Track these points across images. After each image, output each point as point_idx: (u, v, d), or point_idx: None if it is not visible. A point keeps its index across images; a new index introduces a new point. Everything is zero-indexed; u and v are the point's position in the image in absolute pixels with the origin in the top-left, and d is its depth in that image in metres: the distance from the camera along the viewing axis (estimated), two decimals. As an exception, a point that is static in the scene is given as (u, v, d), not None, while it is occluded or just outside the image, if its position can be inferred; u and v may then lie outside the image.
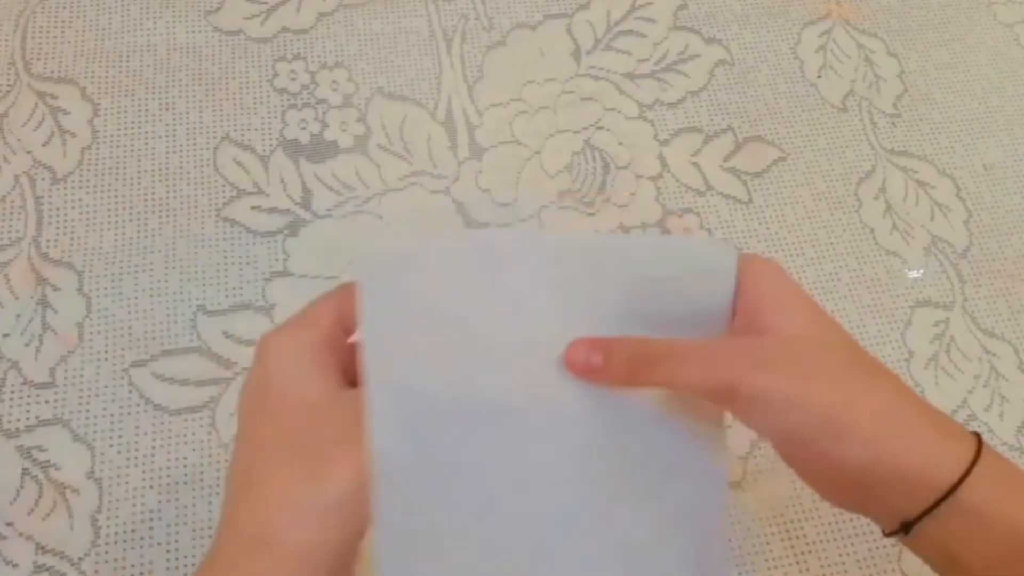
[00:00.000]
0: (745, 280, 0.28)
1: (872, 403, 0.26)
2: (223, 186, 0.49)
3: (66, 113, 0.50)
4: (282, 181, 0.50)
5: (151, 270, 0.47)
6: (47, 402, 0.43)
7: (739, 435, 0.46)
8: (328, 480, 0.23)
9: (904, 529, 0.27)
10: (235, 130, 0.51)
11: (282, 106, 0.52)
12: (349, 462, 0.24)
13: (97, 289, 0.46)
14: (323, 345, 0.26)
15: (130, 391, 0.43)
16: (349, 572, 0.25)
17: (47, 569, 0.39)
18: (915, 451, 0.26)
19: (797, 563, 0.43)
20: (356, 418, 0.24)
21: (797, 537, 0.44)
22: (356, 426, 0.24)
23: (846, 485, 0.27)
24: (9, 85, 0.51)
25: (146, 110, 0.51)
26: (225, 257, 0.47)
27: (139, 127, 0.50)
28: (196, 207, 0.48)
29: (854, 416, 0.26)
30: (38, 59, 0.52)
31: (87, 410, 0.43)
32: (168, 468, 0.42)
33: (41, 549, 0.40)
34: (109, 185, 0.49)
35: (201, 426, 0.43)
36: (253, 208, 0.49)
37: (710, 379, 0.26)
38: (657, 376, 0.27)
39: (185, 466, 0.42)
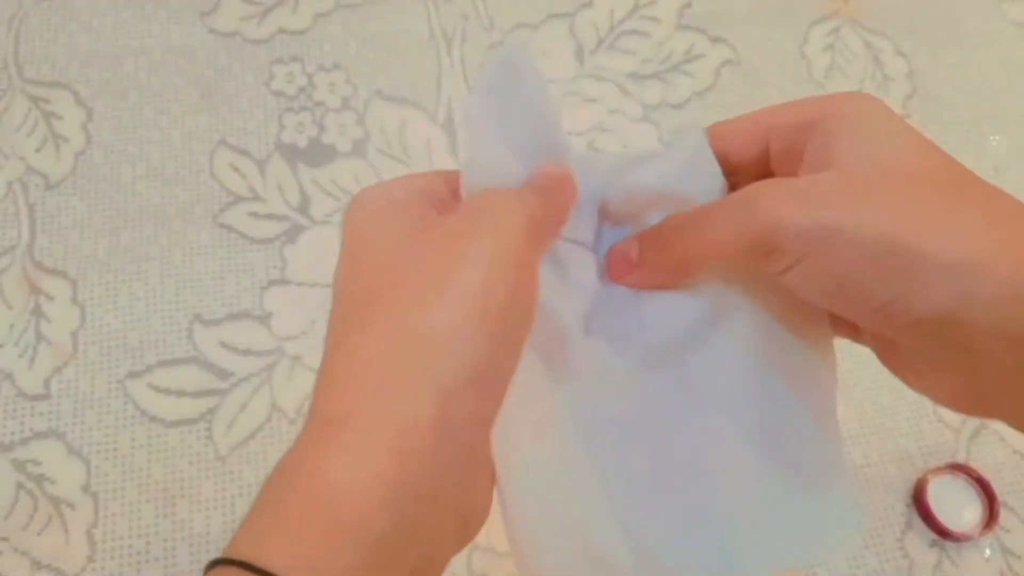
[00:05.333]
0: (829, 117, 0.22)
1: (968, 226, 0.19)
2: (219, 192, 0.48)
3: (59, 118, 0.49)
4: (279, 187, 0.49)
5: (146, 279, 0.46)
6: (41, 414, 0.42)
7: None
8: (421, 321, 0.19)
9: None
10: (231, 134, 0.50)
11: (279, 109, 0.51)
12: (447, 292, 0.19)
13: (91, 298, 0.45)
14: (424, 190, 0.22)
15: (125, 403, 0.43)
16: (470, 462, 0.20)
17: (42, 586, 0.39)
18: None
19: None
20: (444, 245, 0.20)
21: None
22: (447, 256, 0.20)
23: (945, 357, 0.21)
24: (2, 90, 0.50)
25: (140, 114, 0.50)
26: (222, 265, 0.46)
27: (133, 132, 0.49)
28: (192, 214, 0.48)
29: (932, 238, 0.19)
30: (31, 63, 0.51)
31: (82, 422, 0.42)
32: (164, 482, 0.41)
33: (36, 565, 0.39)
34: (103, 191, 0.48)
35: (198, 438, 0.42)
36: (250, 214, 0.48)
37: (743, 228, 0.21)
38: (690, 246, 0.22)
39: (182, 479, 0.41)
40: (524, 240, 0.20)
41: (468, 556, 0.42)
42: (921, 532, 0.44)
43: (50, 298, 0.45)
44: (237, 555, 0.18)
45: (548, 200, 0.22)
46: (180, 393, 0.43)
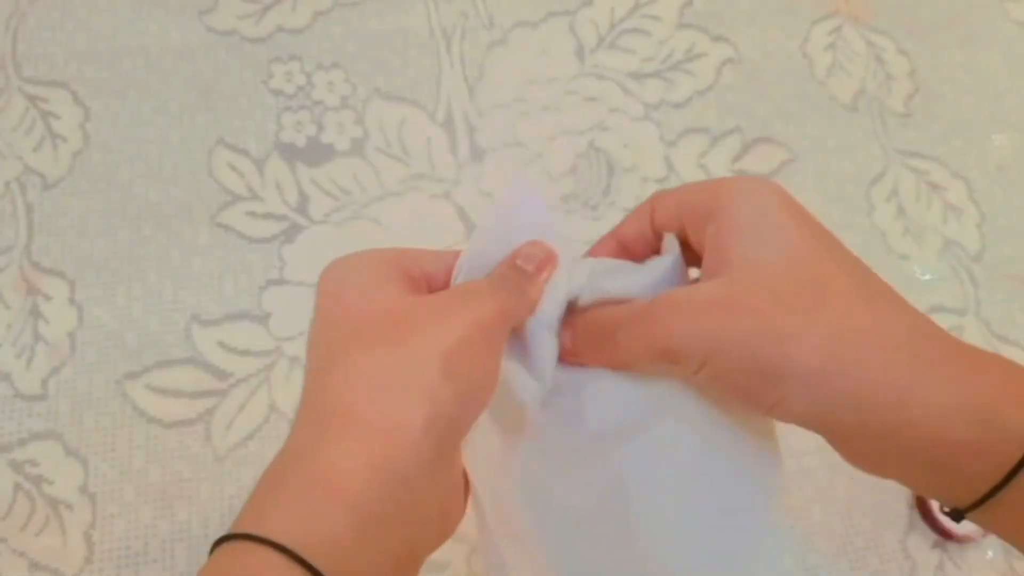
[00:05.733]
0: (720, 211, 0.24)
1: (820, 330, 0.22)
2: (217, 191, 0.48)
3: (57, 117, 0.49)
4: (278, 186, 0.49)
5: (144, 278, 0.45)
6: (39, 415, 0.42)
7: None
8: (409, 354, 0.22)
9: (956, 515, 0.22)
10: (229, 133, 0.50)
11: (277, 108, 0.51)
12: (431, 340, 0.23)
13: (89, 298, 0.45)
14: (389, 261, 0.25)
15: (123, 403, 0.43)
16: (447, 461, 0.23)
17: (39, 587, 0.39)
18: (893, 379, 0.21)
19: (805, 542, 0.42)
20: (432, 311, 0.24)
21: (809, 550, 0.43)
22: (433, 318, 0.23)
23: (841, 442, 0.23)
24: (-1, 88, 0.50)
25: (138, 113, 0.50)
26: (220, 265, 0.46)
27: (131, 131, 0.49)
28: (190, 213, 0.47)
29: (791, 355, 0.21)
30: (28, 61, 0.51)
31: (80, 423, 0.42)
32: (163, 483, 0.41)
33: (34, 566, 0.39)
34: (101, 191, 0.48)
35: (196, 439, 0.42)
36: (248, 214, 0.48)
37: (649, 339, 0.24)
38: (607, 351, 0.25)
39: (180, 481, 0.41)
40: (494, 317, 0.24)
41: (468, 556, 0.41)
42: (923, 533, 0.44)
43: (47, 298, 0.45)
44: (240, 530, 0.19)
45: (513, 295, 0.25)
46: (178, 394, 0.43)
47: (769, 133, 0.54)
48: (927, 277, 0.51)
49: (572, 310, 0.27)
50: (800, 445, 0.44)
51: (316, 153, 0.50)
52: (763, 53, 0.56)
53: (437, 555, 0.41)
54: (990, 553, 0.44)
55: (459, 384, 0.22)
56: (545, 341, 0.26)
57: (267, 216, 0.48)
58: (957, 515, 0.22)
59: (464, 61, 0.54)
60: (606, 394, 0.26)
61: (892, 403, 0.21)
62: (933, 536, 0.44)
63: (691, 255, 0.27)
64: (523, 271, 0.26)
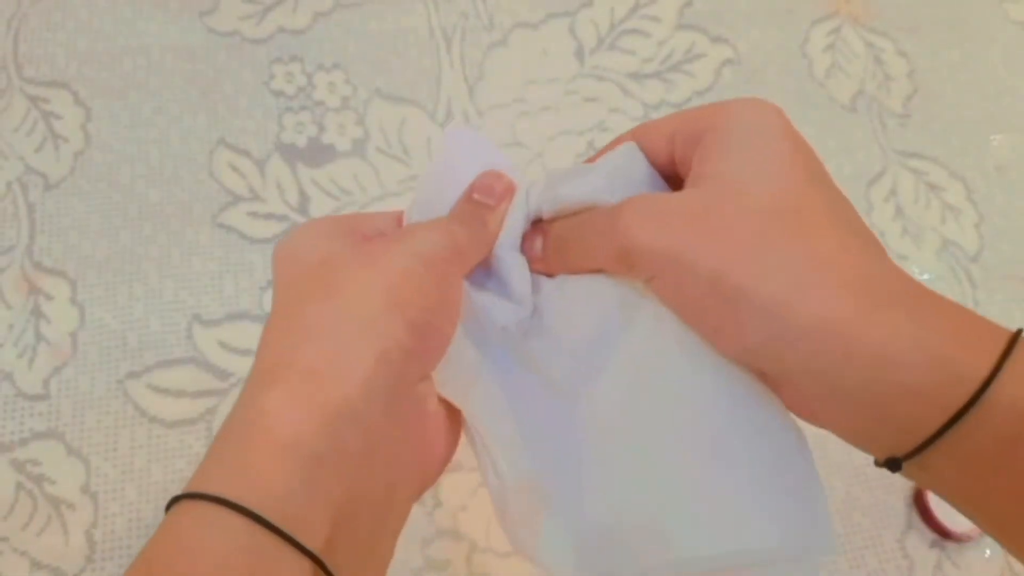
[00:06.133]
0: (710, 131, 0.23)
1: (785, 258, 0.20)
2: (218, 192, 0.48)
3: (58, 118, 0.49)
4: (279, 186, 0.49)
5: (145, 279, 0.46)
6: (41, 414, 0.42)
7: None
8: (350, 295, 0.22)
9: (892, 464, 0.21)
10: (230, 134, 0.50)
11: (278, 109, 0.51)
12: (371, 278, 0.22)
13: (91, 298, 0.45)
14: (339, 221, 0.25)
15: (124, 403, 0.43)
16: (409, 395, 0.23)
17: (41, 586, 0.39)
18: (863, 327, 0.19)
19: None
20: (371, 252, 0.23)
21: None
22: (373, 258, 0.23)
23: (784, 380, 0.22)
24: (1, 89, 0.50)
25: (140, 114, 0.50)
26: (221, 265, 0.46)
27: (132, 131, 0.49)
28: (191, 213, 0.47)
29: (750, 278, 0.20)
30: (30, 62, 0.51)
31: (81, 423, 0.42)
32: (164, 482, 0.41)
33: (36, 565, 0.39)
34: (102, 191, 0.48)
35: (197, 439, 0.42)
36: (249, 214, 0.48)
37: (607, 242, 0.23)
38: (572, 254, 0.24)
39: (181, 480, 0.41)
40: (442, 253, 0.24)
41: (468, 556, 0.42)
42: (921, 532, 0.44)
43: (49, 298, 0.45)
44: (185, 491, 0.19)
45: (469, 228, 0.25)
46: (179, 393, 0.43)
47: (768, 134, 0.54)
48: (925, 277, 0.51)
49: (538, 221, 0.26)
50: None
51: (317, 153, 0.50)
52: (762, 54, 0.57)
53: (437, 555, 0.41)
54: (988, 552, 0.44)
55: (407, 316, 0.22)
56: (515, 261, 0.25)
57: (268, 216, 0.48)
58: (894, 464, 0.21)
59: (464, 62, 0.54)
60: (586, 305, 0.25)
61: (841, 341, 0.20)
62: (931, 535, 0.44)
63: (679, 187, 0.25)
64: (482, 204, 0.26)
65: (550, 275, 0.26)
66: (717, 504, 0.21)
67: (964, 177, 0.55)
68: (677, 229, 0.22)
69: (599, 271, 0.25)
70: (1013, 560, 0.44)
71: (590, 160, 0.26)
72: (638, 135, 0.26)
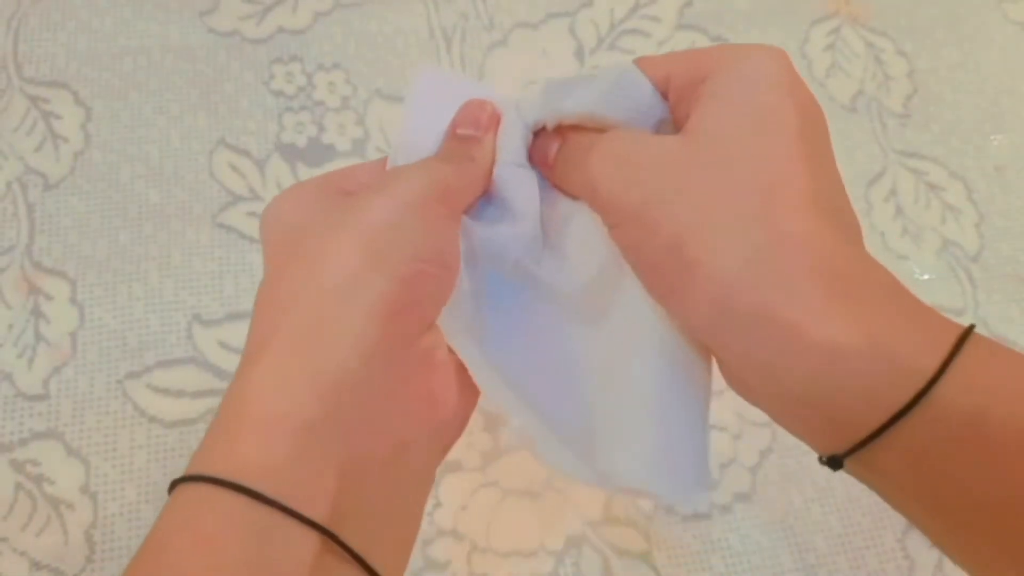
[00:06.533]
0: (708, 79, 0.22)
1: (751, 235, 0.19)
2: (218, 192, 0.48)
3: (58, 117, 0.49)
4: (279, 186, 0.49)
5: (145, 279, 0.46)
6: (40, 414, 0.42)
7: (748, 447, 0.45)
8: (330, 254, 0.21)
9: (834, 461, 0.20)
10: (230, 134, 0.50)
11: (278, 109, 0.51)
12: (351, 233, 0.21)
13: (90, 298, 0.45)
14: (319, 181, 0.24)
15: (124, 403, 0.43)
16: (411, 347, 0.22)
17: (41, 587, 0.39)
18: (813, 308, 0.18)
19: (803, 541, 0.42)
20: (350, 206, 0.22)
21: (807, 549, 0.43)
22: (352, 212, 0.22)
23: (725, 361, 0.21)
24: (0, 89, 0.50)
25: (140, 114, 0.50)
26: (221, 265, 0.46)
27: (132, 131, 0.49)
28: (191, 213, 0.47)
29: (706, 251, 0.19)
30: (30, 62, 0.51)
31: (81, 423, 0.42)
32: (164, 482, 0.41)
33: (35, 566, 0.39)
34: (102, 191, 0.48)
35: (197, 439, 0.42)
36: (249, 214, 0.48)
37: (580, 178, 0.22)
38: (566, 177, 0.24)
39: (181, 480, 0.41)
40: (428, 194, 0.22)
41: (468, 555, 0.41)
42: (922, 532, 0.44)
43: (49, 298, 0.45)
44: (186, 473, 0.19)
45: (457, 165, 0.24)
46: (179, 393, 0.43)
47: (768, 134, 0.54)
48: (925, 277, 0.51)
49: (550, 131, 0.25)
50: (800, 444, 0.44)
51: (317, 154, 0.50)
52: (762, 54, 0.57)
53: (437, 554, 0.41)
54: (989, 552, 0.44)
55: (392, 269, 0.21)
56: (519, 178, 0.24)
57: (268, 216, 0.48)
58: (834, 462, 0.20)
59: (464, 62, 0.54)
60: (585, 239, 0.24)
61: (787, 334, 0.19)
62: (932, 535, 0.44)
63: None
64: (469, 138, 0.24)
65: (560, 189, 0.25)
66: (626, 441, 0.22)
67: (964, 177, 0.55)
68: (645, 184, 0.21)
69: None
70: (1014, 560, 0.44)
71: None
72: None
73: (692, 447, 0.22)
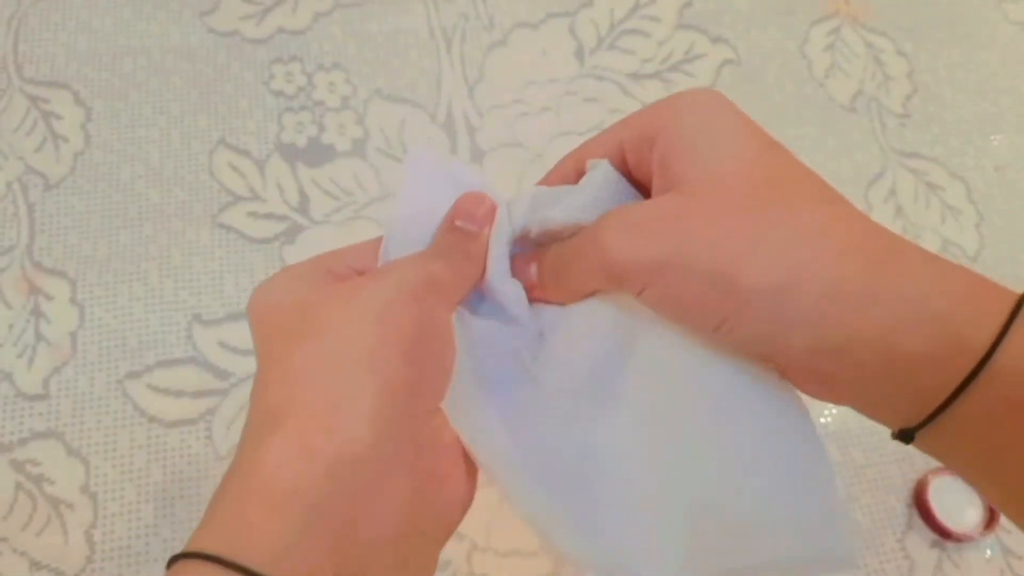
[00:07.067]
0: (663, 131, 0.23)
1: (775, 238, 0.20)
2: (219, 192, 0.48)
3: (58, 118, 0.49)
4: (279, 186, 0.49)
5: (145, 278, 0.46)
6: (40, 414, 0.42)
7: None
8: (338, 334, 0.21)
9: (906, 435, 0.20)
10: (230, 134, 0.50)
11: (278, 109, 0.51)
12: (358, 315, 0.21)
13: (91, 298, 0.45)
14: (309, 264, 0.25)
15: (124, 403, 0.43)
16: (414, 431, 0.22)
17: (41, 586, 0.39)
18: (851, 302, 0.19)
19: None
20: (352, 289, 0.23)
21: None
22: (355, 296, 0.22)
23: (794, 361, 0.21)
24: (1, 89, 0.50)
25: (140, 114, 0.50)
26: (221, 265, 0.46)
27: (133, 131, 0.49)
28: (191, 213, 0.47)
29: (747, 267, 0.20)
30: (30, 62, 0.51)
31: (81, 423, 0.42)
32: (164, 482, 0.41)
33: (35, 565, 0.39)
34: (102, 191, 0.48)
35: (197, 439, 0.42)
36: (249, 214, 0.48)
37: (594, 262, 0.22)
38: (566, 279, 0.24)
39: (181, 480, 0.41)
40: (423, 287, 0.23)
41: (468, 555, 0.41)
42: (922, 532, 0.44)
43: (49, 298, 0.45)
44: (187, 549, 0.19)
45: (452, 260, 0.24)
46: (179, 393, 0.43)
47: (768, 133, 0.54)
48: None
49: (532, 247, 0.26)
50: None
51: (317, 153, 0.50)
52: (762, 54, 0.57)
53: (437, 554, 0.41)
54: (988, 552, 0.44)
55: (403, 348, 0.21)
56: (509, 288, 0.25)
57: (268, 216, 0.48)
58: (906, 436, 0.20)
59: (464, 62, 0.54)
60: (591, 328, 0.24)
61: (848, 315, 0.19)
62: (932, 535, 0.44)
63: (643, 193, 0.25)
64: (466, 232, 0.24)
65: (549, 302, 0.26)
66: (740, 517, 0.21)
67: (964, 177, 0.55)
68: (661, 236, 0.21)
69: (594, 293, 0.24)
70: (1013, 560, 0.44)
71: (541, 182, 0.26)
72: (583, 154, 0.25)
73: (823, 488, 0.21)
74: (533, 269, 0.25)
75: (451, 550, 0.41)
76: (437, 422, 0.23)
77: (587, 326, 0.25)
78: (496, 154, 0.51)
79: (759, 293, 0.20)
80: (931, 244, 0.52)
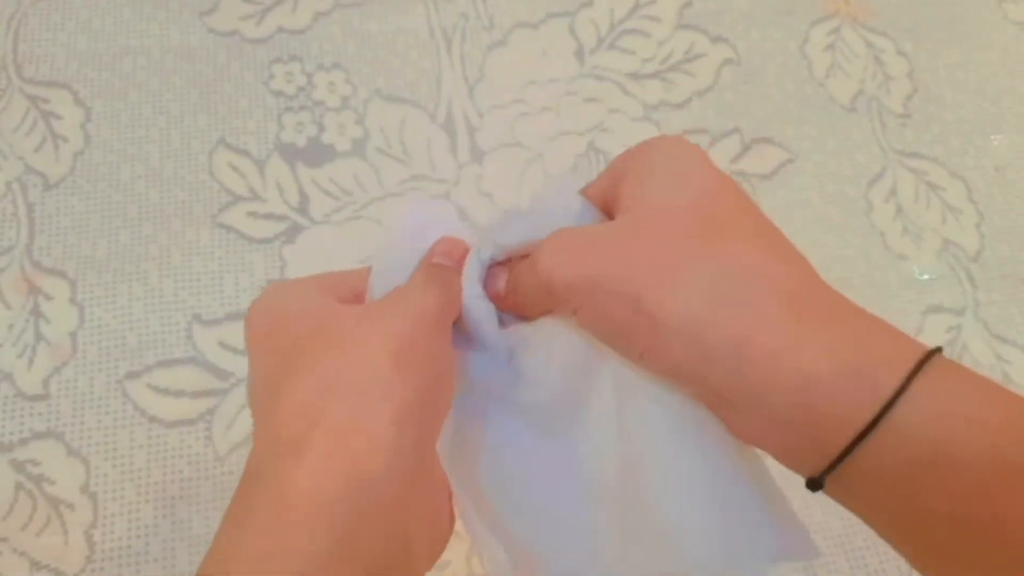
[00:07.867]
0: (630, 169, 0.24)
1: (705, 273, 0.20)
2: (218, 192, 0.48)
3: (58, 118, 0.49)
4: (279, 186, 0.49)
5: (145, 278, 0.46)
6: (40, 414, 0.42)
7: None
8: (359, 355, 0.22)
9: (814, 483, 0.20)
10: (230, 134, 0.50)
11: (278, 109, 0.51)
12: (377, 339, 0.22)
13: (90, 298, 0.45)
14: (313, 282, 0.25)
15: (124, 403, 0.43)
16: (421, 458, 0.22)
17: (41, 586, 0.39)
18: (777, 334, 0.19)
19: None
20: (371, 313, 0.23)
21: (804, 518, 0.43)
22: (375, 319, 0.23)
23: (707, 395, 0.22)
24: (1, 89, 0.50)
25: (139, 114, 0.50)
26: (221, 265, 0.46)
27: (132, 131, 0.49)
28: (191, 213, 0.47)
29: (670, 298, 0.20)
30: (30, 62, 0.51)
31: (81, 423, 0.42)
32: (164, 482, 0.41)
33: (35, 565, 0.39)
34: (102, 191, 0.48)
35: (197, 439, 0.42)
36: (249, 214, 0.48)
37: (533, 280, 0.23)
38: (519, 297, 0.25)
39: (181, 480, 0.41)
40: (435, 315, 0.23)
41: (468, 555, 0.41)
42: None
43: (49, 298, 0.45)
44: (205, 572, 0.19)
45: (443, 288, 0.25)
46: (179, 393, 0.43)
47: (768, 134, 0.54)
48: (925, 277, 0.51)
49: (498, 266, 0.27)
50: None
51: (317, 153, 0.50)
52: (762, 54, 0.57)
53: (437, 554, 0.41)
54: (989, 552, 0.44)
55: (415, 379, 0.22)
56: (480, 308, 0.26)
57: (268, 216, 0.48)
58: (815, 484, 0.20)
59: (464, 62, 0.54)
60: (551, 350, 0.25)
61: (764, 361, 0.20)
62: (932, 535, 0.44)
63: None
64: (444, 267, 0.26)
65: (517, 315, 0.26)
66: (665, 526, 0.22)
67: (964, 177, 0.55)
68: (594, 258, 0.22)
69: (548, 311, 0.25)
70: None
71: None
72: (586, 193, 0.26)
73: (756, 506, 0.22)
74: (502, 280, 0.26)
75: (451, 550, 0.41)
76: (433, 455, 0.23)
77: (547, 349, 0.26)
78: (496, 154, 0.51)
79: (677, 324, 0.20)
80: (931, 244, 0.52)
